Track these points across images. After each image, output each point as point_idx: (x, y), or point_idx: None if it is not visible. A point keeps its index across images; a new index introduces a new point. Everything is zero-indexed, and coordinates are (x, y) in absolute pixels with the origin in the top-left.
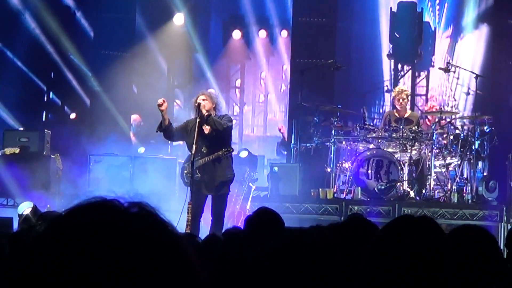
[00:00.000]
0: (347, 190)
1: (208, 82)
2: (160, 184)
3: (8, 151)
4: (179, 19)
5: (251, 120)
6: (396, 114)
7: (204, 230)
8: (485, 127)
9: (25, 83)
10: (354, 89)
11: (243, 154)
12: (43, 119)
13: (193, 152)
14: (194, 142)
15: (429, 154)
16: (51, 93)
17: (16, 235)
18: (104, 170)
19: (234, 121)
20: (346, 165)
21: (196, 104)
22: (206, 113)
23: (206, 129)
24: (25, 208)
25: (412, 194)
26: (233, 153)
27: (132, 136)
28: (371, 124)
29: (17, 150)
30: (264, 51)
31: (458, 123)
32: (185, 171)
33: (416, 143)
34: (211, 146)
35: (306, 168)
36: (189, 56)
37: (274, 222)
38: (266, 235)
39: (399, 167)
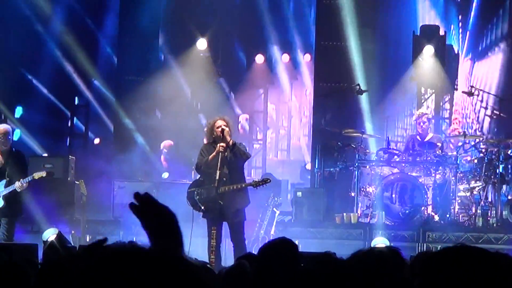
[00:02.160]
0: (371, 215)
1: (232, 106)
2: (185, 209)
3: (37, 175)
4: (202, 44)
5: (275, 145)
6: (419, 138)
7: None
8: (509, 151)
9: (49, 109)
10: (378, 113)
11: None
12: (67, 145)
13: (218, 178)
14: (218, 168)
15: (453, 178)
16: (75, 118)
17: (43, 268)
18: (128, 196)
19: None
20: (370, 189)
21: (219, 130)
22: (231, 141)
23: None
24: (50, 234)
25: (436, 218)
26: (254, 176)
27: (163, 161)
28: (395, 148)
29: (44, 174)
30: (287, 75)
31: (482, 146)
32: (197, 197)
33: (440, 167)
34: (233, 174)
35: (330, 192)
36: (212, 81)
37: (287, 254)
38: (275, 267)
39: (423, 191)
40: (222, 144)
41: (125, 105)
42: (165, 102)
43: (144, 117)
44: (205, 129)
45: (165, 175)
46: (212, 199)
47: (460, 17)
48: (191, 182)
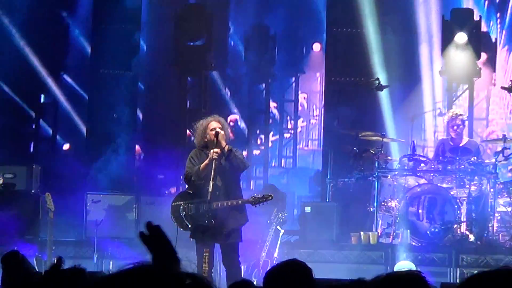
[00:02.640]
0: (394, 234)
1: (228, 105)
2: (173, 227)
3: None
4: None
5: (278, 151)
6: (451, 143)
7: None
8: None
9: (9, 109)
10: (401, 113)
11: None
12: (31, 151)
13: (210, 190)
14: (211, 179)
15: (492, 190)
16: (40, 120)
17: None
18: (104, 212)
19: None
20: (393, 203)
21: (212, 133)
22: (227, 147)
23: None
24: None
25: (471, 238)
26: (251, 188)
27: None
28: (422, 154)
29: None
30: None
31: None
32: (184, 212)
33: (476, 177)
34: (228, 187)
35: (345, 207)
36: (204, 74)
37: (300, 280)
38: None
39: (456, 206)
40: (216, 150)
41: (101, 104)
42: (148, 99)
43: (124, 118)
44: (196, 132)
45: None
46: (202, 216)
47: (498, 14)
48: (176, 195)
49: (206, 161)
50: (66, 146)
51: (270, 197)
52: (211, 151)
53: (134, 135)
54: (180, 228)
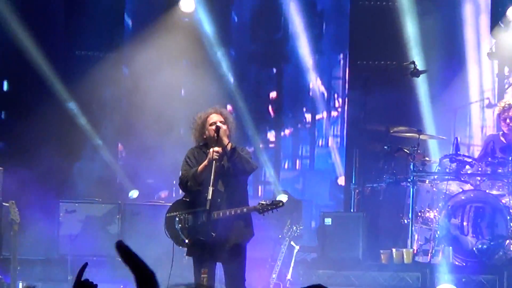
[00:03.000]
0: (433, 251)
1: (230, 92)
2: (162, 243)
3: None
4: (187, 3)
5: (292, 150)
6: (503, 139)
7: None
8: None
9: None
10: (441, 104)
11: (282, 198)
12: None
13: (210, 197)
14: (211, 184)
15: None
16: (2, 113)
17: None
18: (80, 224)
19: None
20: (431, 214)
21: (212, 128)
22: (230, 144)
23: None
24: None
25: None
26: (259, 195)
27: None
28: (467, 154)
29: None
30: (310, 49)
31: None
32: (180, 225)
33: None
34: (231, 193)
35: (373, 219)
36: (202, 55)
37: None
38: None
39: (508, 217)
40: (216, 149)
41: (76, 93)
42: (134, 86)
43: (104, 110)
44: (194, 127)
45: (134, 193)
46: (201, 229)
47: None
48: (170, 204)
49: (205, 162)
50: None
51: (281, 204)
52: (211, 150)
53: (115, 129)
54: (176, 244)
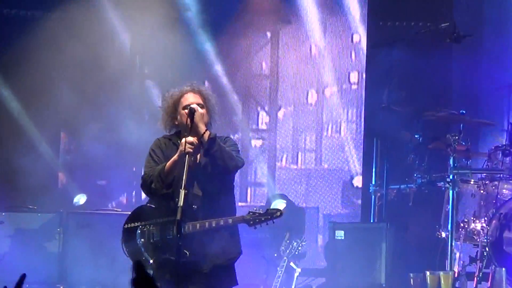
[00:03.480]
0: (481, 274)
1: (210, 68)
2: (119, 263)
3: None
4: None
5: (292, 140)
6: None
7: None
8: None
9: None
10: (492, 79)
11: (278, 206)
12: None
13: (181, 203)
14: (183, 186)
15: None
16: None
17: None
18: (9, 240)
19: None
20: (478, 225)
21: (185, 112)
22: (208, 133)
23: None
24: None
25: None
26: (247, 201)
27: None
28: None
29: None
30: (317, 7)
31: None
32: (142, 239)
33: None
34: (210, 197)
35: (400, 231)
36: (171, 20)
37: None
38: None
39: None
40: (190, 139)
41: (5, 66)
42: (79, 59)
43: (43, 90)
44: (162, 109)
45: (81, 199)
46: (170, 245)
47: None
48: (130, 213)
49: (175, 157)
50: None
51: (279, 214)
52: (182, 140)
53: (57, 115)
54: (141, 262)
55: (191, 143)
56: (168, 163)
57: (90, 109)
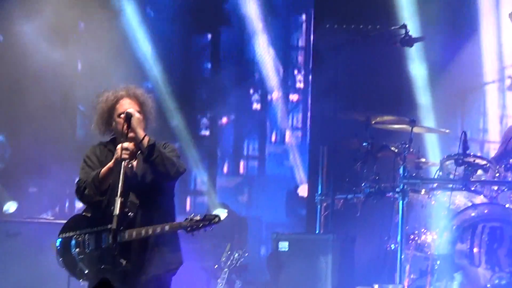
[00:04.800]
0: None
1: (148, 67)
2: (52, 275)
3: None
4: None
5: (234, 147)
6: None
7: None
8: None
9: None
10: (444, 85)
11: (220, 215)
12: None
13: (117, 210)
14: (119, 194)
15: None
16: None
17: None
18: None
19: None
20: (429, 237)
21: (121, 118)
22: (147, 138)
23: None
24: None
25: None
26: (187, 210)
27: None
28: (479, 155)
29: None
30: (259, 7)
31: None
32: (77, 249)
33: None
34: (148, 205)
35: (347, 243)
36: (107, 16)
37: None
38: None
39: None
40: (125, 144)
41: None
42: (12, 60)
43: None
44: (96, 111)
45: (11, 207)
46: (105, 254)
47: None
48: (65, 222)
49: (110, 164)
50: None
51: (217, 220)
52: (118, 146)
53: None
54: (73, 276)
55: (127, 149)
56: (103, 170)
57: (19, 114)
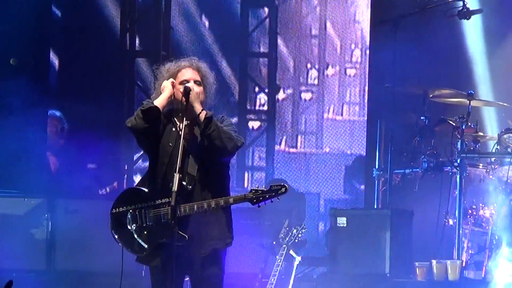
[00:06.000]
0: (489, 264)
1: (205, 46)
2: (112, 250)
3: None
4: None
5: (292, 121)
6: None
7: None
8: None
9: None
10: (503, 57)
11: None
12: None
13: (176, 187)
14: (177, 169)
15: None
16: None
17: None
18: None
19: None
20: (487, 212)
21: (179, 89)
22: (204, 112)
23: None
24: None
25: None
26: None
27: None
28: None
29: None
30: None
31: None
32: (133, 225)
33: None
34: (206, 179)
35: (405, 218)
36: None
37: None
38: None
39: None
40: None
41: None
42: (70, 34)
43: (28, 67)
44: (157, 82)
45: None
46: (164, 230)
47: None
48: (118, 195)
49: (166, 94)
50: None
51: (284, 190)
52: (180, 125)
53: (45, 96)
54: (129, 251)
55: (185, 125)
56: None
57: (79, 88)
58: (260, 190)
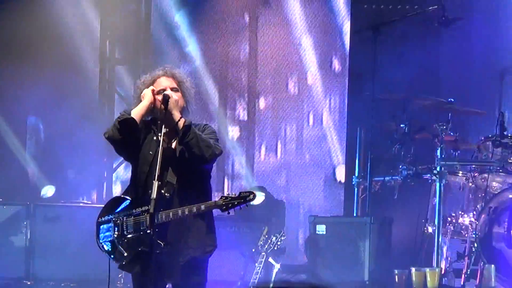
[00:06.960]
0: (468, 271)
1: (184, 53)
2: (92, 259)
3: None
4: None
5: (271, 130)
6: None
7: None
8: None
9: None
10: (481, 65)
11: (258, 199)
12: None
13: (155, 194)
14: (155, 177)
15: None
16: None
17: None
18: None
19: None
20: (466, 219)
21: (158, 96)
22: (183, 120)
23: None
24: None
25: None
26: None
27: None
28: None
29: None
30: None
31: None
32: (115, 234)
33: None
34: (185, 186)
35: (384, 226)
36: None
37: None
38: None
39: None
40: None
41: None
42: (43, 44)
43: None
44: (135, 95)
45: (49, 190)
46: (144, 238)
47: None
48: (103, 205)
49: (145, 103)
50: None
51: (251, 196)
52: (159, 134)
53: (23, 103)
54: (114, 260)
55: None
56: (137, 109)
57: (58, 96)
58: (229, 197)
